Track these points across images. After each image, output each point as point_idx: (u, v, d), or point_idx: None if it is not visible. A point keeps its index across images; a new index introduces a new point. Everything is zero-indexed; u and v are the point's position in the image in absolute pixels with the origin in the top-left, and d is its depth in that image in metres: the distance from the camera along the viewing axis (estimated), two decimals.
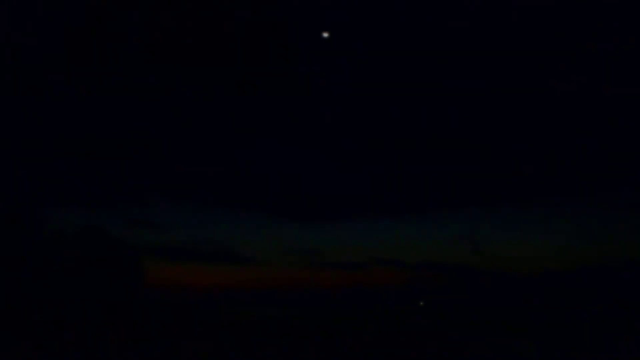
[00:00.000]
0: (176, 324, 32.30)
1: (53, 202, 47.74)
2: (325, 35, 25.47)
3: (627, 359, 18.90)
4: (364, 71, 40.31)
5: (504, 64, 41.81)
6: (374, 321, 42.61)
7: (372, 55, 38.50)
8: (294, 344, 22.45)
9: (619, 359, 18.94)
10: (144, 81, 36.19)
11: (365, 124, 53.73)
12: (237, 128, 49.70)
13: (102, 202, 50.83)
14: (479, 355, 19.70)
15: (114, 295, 41.71)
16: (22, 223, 40.69)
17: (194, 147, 52.68)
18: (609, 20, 33.68)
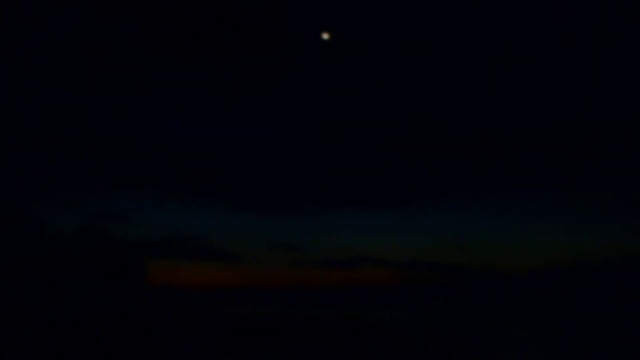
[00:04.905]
0: (165, 323, 32.37)
1: (53, 202, 47.66)
2: (326, 36, 25.54)
3: (626, 359, 18.91)
4: (343, 59, 40.09)
5: (493, 52, 41.83)
6: (364, 321, 42.65)
7: (352, 44, 38.27)
8: (282, 343, 22.52)
9: (617, 358, 18.96)
10: (138, 79, 36.33)
11: (352, 116, 53.29)
12: (219, 122, 49.61)
13: (86, 198, 50.62)
14: (473, 354, 19.74)
15: (114, 295, 41.75)
16: (22, 223, 40.74)
17: (171, 141, 52.43)
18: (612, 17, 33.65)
